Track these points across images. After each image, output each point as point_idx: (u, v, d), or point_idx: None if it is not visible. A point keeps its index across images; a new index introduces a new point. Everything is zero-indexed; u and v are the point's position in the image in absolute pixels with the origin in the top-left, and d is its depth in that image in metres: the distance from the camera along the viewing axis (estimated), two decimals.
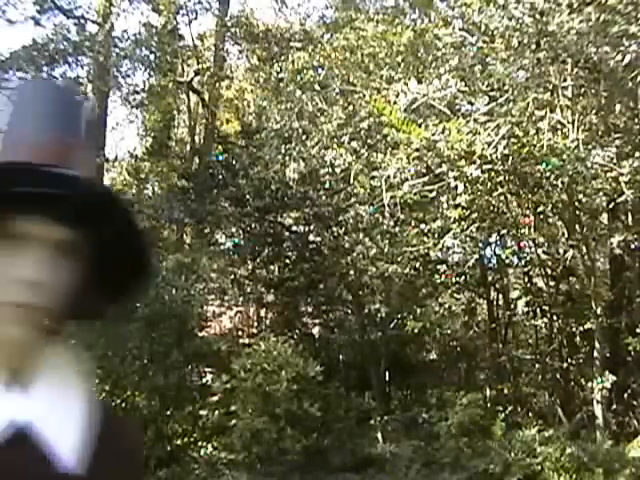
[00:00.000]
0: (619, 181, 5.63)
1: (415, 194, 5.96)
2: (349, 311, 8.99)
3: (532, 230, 6.54)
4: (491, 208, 6.55)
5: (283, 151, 7.67)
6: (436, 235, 6.37)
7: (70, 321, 0.95)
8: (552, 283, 7.29)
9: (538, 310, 7.66)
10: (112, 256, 0.93)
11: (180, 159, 11.32)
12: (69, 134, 0.92)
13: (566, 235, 6.78)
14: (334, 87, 6.85)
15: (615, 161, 5.49)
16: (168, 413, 6.85)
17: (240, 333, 10.00)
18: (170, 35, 10.22)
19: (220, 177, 10.04)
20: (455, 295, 8.32)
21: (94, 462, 0.93)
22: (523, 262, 7.19)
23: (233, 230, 10.31)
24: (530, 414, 7.21)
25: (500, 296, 8.44)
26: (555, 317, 7.47)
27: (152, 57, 9.89)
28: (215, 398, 7.13)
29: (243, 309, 10.49)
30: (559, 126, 5.86)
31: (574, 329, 6.95)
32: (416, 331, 6.90)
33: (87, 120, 1.01)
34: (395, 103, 5.39)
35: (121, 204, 0.91)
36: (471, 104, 6.40)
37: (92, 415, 0.96)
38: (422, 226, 6.41)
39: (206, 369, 7.87)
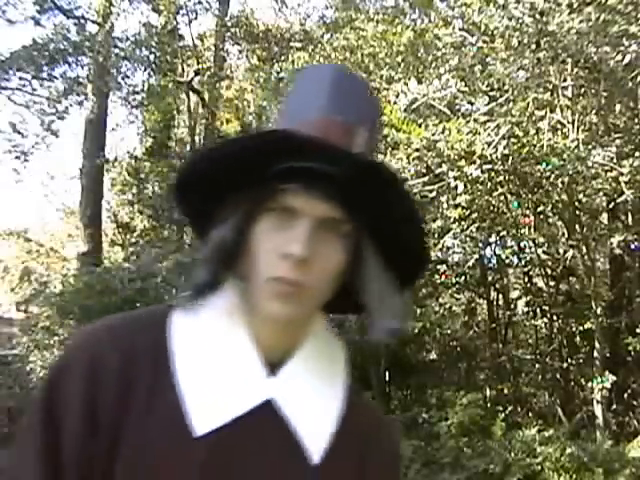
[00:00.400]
0: (619, 181, 5.63)
1: (415, 194, 5.96)
2: None
3: (532, 230, 6.54)
4: (491, 208, 6.55)
5: None
6: (436, 235, 6.37)
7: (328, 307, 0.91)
8: (552, 283, 7.29)
9: (538, 310, 7.66)
10: (385, 242, 0.89)
11: (180, 159, 11.32)
12: (351, 115, 0.88)
13: (566, 235, 6.78)
14: None
15: (615, 161, 5.50)
16: None
17: None
18: (170, 35, 10.22)
19: None
20: (455, 295, 8.32)
21: (339, 455, 0.91)
22: (523, 262, 7.19)
23: None
24: (530, 414, 7.21)
25: (500, 296, 8.44)
26: (555, 317, 7.47)
27: (152, 57, 9.90)
28: None
29: None
30: (559, 126, 5.86)
31: (574, 329, 6.95)
32: (416, 331, 6.90)
33: (373, 103, 0.98)
34: (395, 103, 5.39)
35: (400, 188, 0.86)
36: (471, 104, 6.40)
37: (346, 403, 0.93)
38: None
39: None
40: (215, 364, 0.87)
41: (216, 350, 0.87)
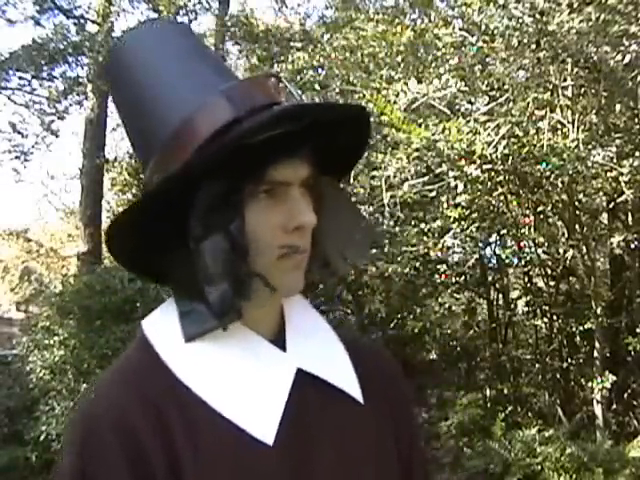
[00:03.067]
0: (619, 181, 5.63)
1: (415, 194, 5.96)
2: (349, 311, 8.99)
3: (532, 230, 6.54)
4: (491, 208, 6.55)
5: None
6: (436, 235, 6.37)
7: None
8: (552, 283, 7.28)
9: (538, 310, 7.66)
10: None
11: None
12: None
13: (566, 235, 6.78)
14: (334, 87, 6.84)
15: (615, 161, 5.49)
16: None
17: None
18: None
19: None
20: (455, 295, 8.32)
21: (370, 393, 0.92)
22: (523, 262, 7.18)
23: None
24: (530, 414, 7.20)
25: (500, 296, 8.44)
26: (555, 317, 7.47)
27: None
28: None
29: None
30: (559, 126, 5.85)
31: (574, 329, 6.94)
32: (416, 331, 6.90)
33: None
34: (395, 103, 5.38)
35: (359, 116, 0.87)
36: (471, 104, 6.39)
37: (348, 349, 0.94)
38: (422, 226, 6.40)
39: None
40: (231, 368, 0.83)
41: (224, 353, 0.84)
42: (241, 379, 0.83)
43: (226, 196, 0.80)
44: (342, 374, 0.89)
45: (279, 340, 0.88)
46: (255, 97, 0.81)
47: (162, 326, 0.87)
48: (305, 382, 0.86)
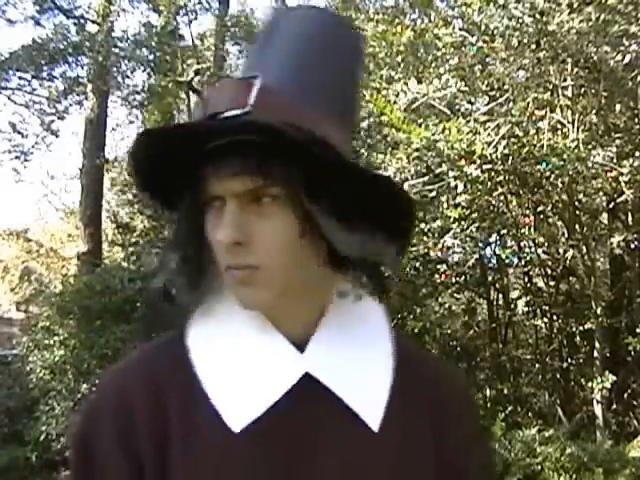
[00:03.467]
0: (619, 181, 5.63)
1: (415, 194, 5.95)
2: None
3: (532, 230, 6.54)
4: (491, 208, 6.55)
5: None
6: (436, 235, 6.37)
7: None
8: (552, 283, 7.29)
9: (538, 310, 7.66)
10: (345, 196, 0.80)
11: None
12: (265, 70, 0.81)
13: (566, 235, 6.78)
14: None
15: (615, 161, 5.49)
16: None
17: None
18: (170, 35, 10.21)
19: None
20: (455, 295, 8.32)
21: (400, 412, 0.86)
22: (523, 262, 7.18)
23: None
24: (530, 414, 7.21)
25: (500, 296, 8.44)
26: (555, 317, 7.47)
27: (152, 57, 9.89)
28: None
29: None
30: (559, 126, 5.85)
31: (574, 329, 6.94)
32: (416, 331, 6.90)
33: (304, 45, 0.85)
34: (395, 103, 5.38)
35: (308, 139, 0.75)
36: (471, 104, 6.39)
37: (396, 361, 0.88)
38: (422, 226, 6.40)
39: None
40: (238, 357, 0.84)
41: (236, 343, 0.85)
42: (245, 371, 0.83)
43: (190, 198, 0.84)
44: (363, 393, 0.84)
45: (305, 343, 0.86)
46: (218, 102, 0.79)
47: (200, 315, 0.90)
48: (315, 390, 0.83)
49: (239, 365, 0.84)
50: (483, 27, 5.27)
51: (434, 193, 6.09)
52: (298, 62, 0.82)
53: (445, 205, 6.36)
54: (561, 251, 6.71)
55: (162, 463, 0.80)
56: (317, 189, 0.79)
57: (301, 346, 0.85)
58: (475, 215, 6.29)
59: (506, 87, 5.59)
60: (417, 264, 7.03)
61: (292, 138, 0.74)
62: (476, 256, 7.06)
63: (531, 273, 7.72)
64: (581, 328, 6.68)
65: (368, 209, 0.82)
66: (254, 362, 0.84)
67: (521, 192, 6.46)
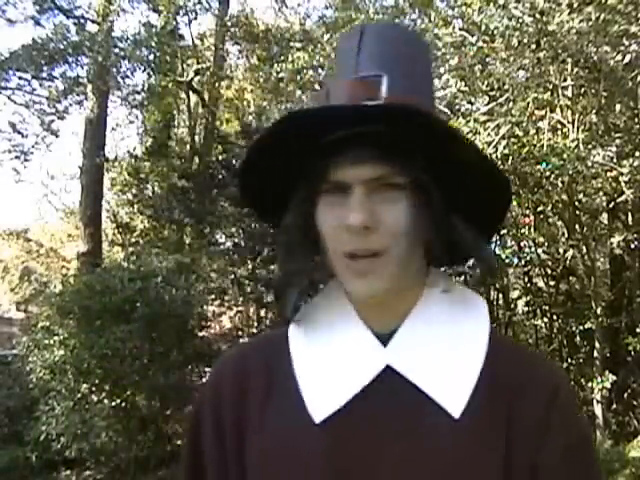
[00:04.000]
0: (619, 181, 5.63)
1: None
2: None
3: (532, 230, 6.54)
4: None
5: None
6: None
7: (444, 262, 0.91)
8: (552, 283, 7.29)
9: (538, 310, 7.66)
10: (457, 190, 0.85)
11: (180, 159, 11.32)
12: (374, 68, 0.86)
13: (566, 235, 6.78)
14: None
15: (615, 161, 5.49)
16: (168, 413, 6.85)
17: (240, 333, 10.00)
18: (170, 35, 10.21)
19: (220, 177, 10.03)
20: None
21: (483, 409, 0.85)
22: (523, 262, 7.18)
23: (233, 230, 10.31)
24: None
25: (500, 296, 8.44)
26: (555, 317, 7.47)
27: (152, 57, 9.89)
28: None
29: (243, 309, 10.49)
30: (559, 126, 5.85)
31: (574, 329, 6.95)
32: None
33: (401, 46, 0.91)
34: None
35: (442, 128, 0.82)
36: (471, 104, 6.40)
37: (486, 356, 0.87)
38: None
39: (206, 369, 7.87)
40: (326, 347, 0.89)
41: (326, 334, 0.90)
42: (331, 363, 0.87)
43: (304, 188, 0.87)
44: (445, 383, 0.84)
45: (391, 335, 0.87)
46: (343, 96, 0.83)
47: (304, 308, 0.95)
48: (395, 383, 0.84)
49: (327, 358, 0.88)
50: (483, 27, 5.27)
51: None
52: (398, 63, 0.88)
53: None
54: (561, 251, 6.72)
55: (240, 447, 0.88)
56: (439, 180, 0.84)
57: (387, 338, 0.87)
58: None
59: (506, 87, 5.59)
60: None
61: (437, 127, 0.80)
62: None
63: (531, 273, 7.72)
64: (581, 328, 6.68)
65: (481, 206, 0.87)
66: (340, 355, 0.87)
67: (521, 192, 6.46)
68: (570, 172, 5.29)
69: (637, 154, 5.56)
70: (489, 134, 5.42)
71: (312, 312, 0.93)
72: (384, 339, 0.87)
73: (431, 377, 0.85)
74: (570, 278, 7.53)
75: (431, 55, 1.01)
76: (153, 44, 9.77)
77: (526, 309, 7.86)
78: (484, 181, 0.85)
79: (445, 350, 0.87)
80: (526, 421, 0.85)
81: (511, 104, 5.61)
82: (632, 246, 6.81)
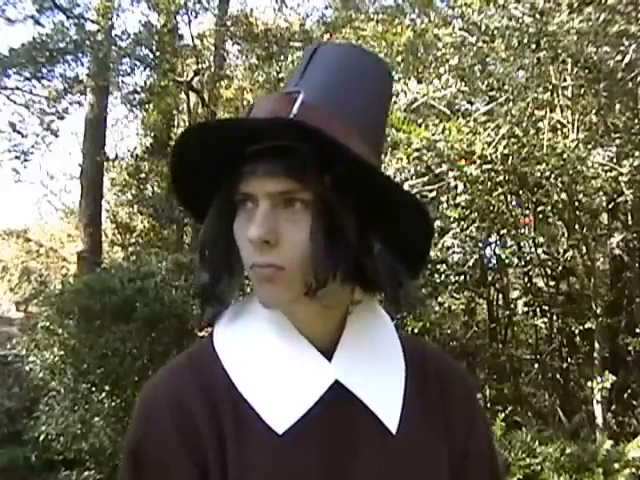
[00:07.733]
0: (619, 181, 5.63)
1: (415, 194, 5.96)
2: None
3: (532, 230, 6.54)
4: (491, 208, 6.55)
5: None
6: (436, 235, 6.36)
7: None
8: (552, 283, 7.29)
9: (538, 310, 7.65)
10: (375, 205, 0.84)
11: None
12: (308, 87, 0.86)
13: (566, 235, 6.77)
14: None
15: (615, 161, 5.49)
16: None
17: None
18: (170, 35, 10.21)
19: None
20: (455, 295, 8.32)
21: (416, 415, 0.90)
22: (523, 262, 7.18)
23: None
24: (530, 414, 7.21)
25: (500, 296, 8.44)
26: (555, 317, 7.47)
27: (152, 56, 9.89)
28: None
29: None
30: (559, 126, 5.85)
31: (574, 329, 6.94)
32: (416, 331, 6.89)
33: (343, 68, 0.92)
34: (395, 103, 5.38)
35: (341, 147, 0.79)
36: (471, 104, 6.39)
37: (408, 370, 0.94)
38: None
39: None
40: (269, 363, 0.88)
41: (265, 350, 0.89)
42: (278, 377, 0.87)
43: (220, 198, 0.89)
44: (382, 398, 0.88)
45: (331, 351, 0.89)
46: (261, 110, 0.85)
47: (225, 321, 0.94)
48: (343, 396, 0.87)
49: (271, 371, 0.87)
50: (483, 27, 5.27)
51: (434, 193, 6.09)
52: (335, 86, 0.89)
53: (445, 205, 6.36)
54: (561, 251, 6.71)
55: (223, 460, 0.84)
56: (346, 200, 0.83)
57: (325, 353, 0.89)
58: (475, 215, 6.29)
59: (506, 87, 5.59)
60: None
61: (332, 146, 0.79)
62: (476, 256, 7.06)
63: (531, 273, 7.72)
64: (581, 328, 6.67)
65: (393, 226, 0.87)
66: (286, 369, 0.87)
67: (521, 192, 6.46)
68: (570, 172, 5.29)
69: (637, 154, 5.56)
70: (489, 134, 5.41)
71: (239, 322, 0.92)
72: (323, 354, 0.89)
73: (371, 392, 0.88)
74: (570, 278, 7.53)
75: (391, 85, 1.01)
76: (153, 43, 9.78)
77: (526, 309, 7.85)
78: (405, 213, 0.85)
79: (378, 366, 0.91)
80: (458, 407, 0.93)
81: (511, 104, 5.60)
82: (632, 246, 6.81)
